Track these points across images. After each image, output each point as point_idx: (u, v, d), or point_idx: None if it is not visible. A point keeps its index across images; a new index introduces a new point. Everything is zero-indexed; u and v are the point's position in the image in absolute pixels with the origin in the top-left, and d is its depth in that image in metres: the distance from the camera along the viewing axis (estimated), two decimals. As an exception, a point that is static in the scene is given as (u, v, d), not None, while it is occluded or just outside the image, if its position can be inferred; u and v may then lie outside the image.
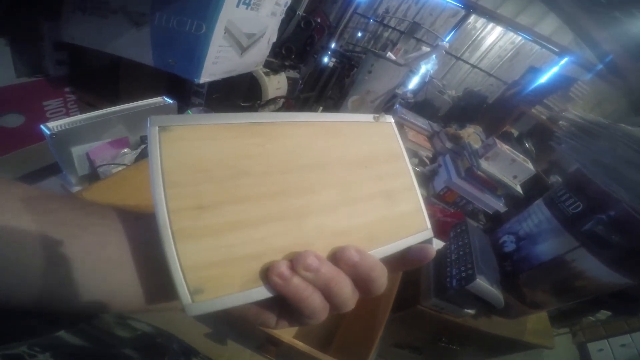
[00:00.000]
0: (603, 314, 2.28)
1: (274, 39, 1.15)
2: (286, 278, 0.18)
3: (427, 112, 1.74)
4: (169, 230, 0.17)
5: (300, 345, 0.45)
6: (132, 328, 0.32)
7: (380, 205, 0.24)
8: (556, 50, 2.63)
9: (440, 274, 0.69)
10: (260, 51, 1.09)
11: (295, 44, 1.40)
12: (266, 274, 0.18)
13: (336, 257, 0.20)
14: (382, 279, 0.21)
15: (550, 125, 1.82)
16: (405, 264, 0.25)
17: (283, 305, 0.21)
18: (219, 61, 0.87)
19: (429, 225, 0.27)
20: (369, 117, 0.27)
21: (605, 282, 0.59)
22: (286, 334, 0.46)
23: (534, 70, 2.33)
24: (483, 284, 0.59)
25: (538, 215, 0.72)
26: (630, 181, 0.54)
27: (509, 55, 3.10)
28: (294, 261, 0.18)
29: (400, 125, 1.38)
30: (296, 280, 0.18)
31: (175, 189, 0.17)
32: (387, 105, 1.73)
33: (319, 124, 0.24)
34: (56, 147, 0.64)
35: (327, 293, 0.19)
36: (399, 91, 1.89)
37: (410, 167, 0.28)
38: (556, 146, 0.74)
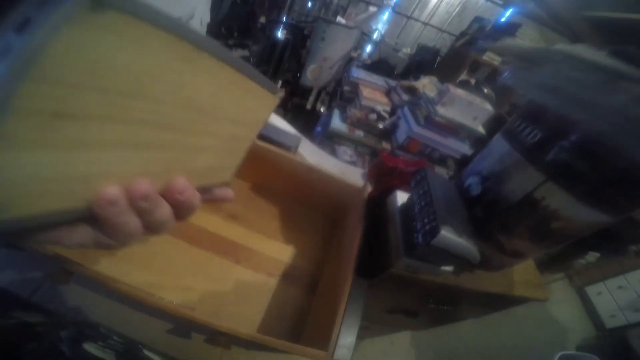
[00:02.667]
0: (592, 256, 2.27)
1: (207, 19, 1.02)
2: (112, 202, 0.17)
3: (383, 71, 1.63)
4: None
5: (244, 333, 0.36)
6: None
7: (212, 158, 0.25)
8: (500, 2, 2.50)
9: (408, 230, 0.59)
10: None
11: (236, 22, 1.26)
12: (93, 196, 0.17)
13: (167, 187, 0.20)
14: (196, 207, 0.23)
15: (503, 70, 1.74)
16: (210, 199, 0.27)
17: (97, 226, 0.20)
18: None
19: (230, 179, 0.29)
20: (270, 89, 0.25)
21: (583, 221, 0.50)
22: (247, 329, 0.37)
23: (480, 20, 2.25)
24: (450, 237, 0.49)
25: (498, 149, 0.62)
26: (584, 101, 0.45)
27: (456, 10, 3.05)
28: (128, 189, 0.18)
29: (355, 85, 1.26)
30: (118, 206, 0.17)
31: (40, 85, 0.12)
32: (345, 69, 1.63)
33: (237, 76, 0.21)
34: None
35: (148, 219, 0.19)
36: (355, 54, 1.77)
37: (254, 139, 0.29)
38: (501, 80, 0.64)
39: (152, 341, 0.44)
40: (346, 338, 0.54)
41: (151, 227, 0.20)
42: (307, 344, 0.36)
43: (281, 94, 0.26)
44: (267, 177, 0.67)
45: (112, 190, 0.17)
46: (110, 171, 0.17)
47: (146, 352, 0.39)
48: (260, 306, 0.52)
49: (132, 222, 0.19)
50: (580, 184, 0.48)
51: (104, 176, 0.17)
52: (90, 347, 0.32)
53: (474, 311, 0.83)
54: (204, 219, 0.61)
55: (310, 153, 0.74)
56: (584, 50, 0.50)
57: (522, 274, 0.71)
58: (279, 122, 0.76)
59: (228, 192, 0.28)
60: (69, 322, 0.36)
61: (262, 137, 0.63)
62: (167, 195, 0.20)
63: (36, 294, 0.44)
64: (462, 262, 0.53)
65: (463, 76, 1.97)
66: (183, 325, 0.46)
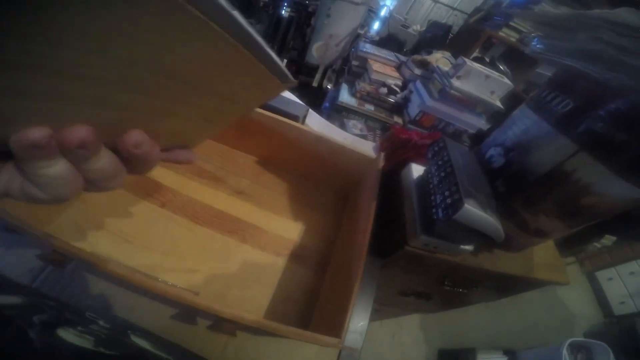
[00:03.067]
0: (608, 240, 2.20)
1: None
2: (35, 144, 0.15)
3: (392, 47, 1.56)
4: None
5: (250, 319, 0.32)
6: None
7: (183, 124, 0.23)
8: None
9: (426, 205, 0.55)
10: None
11: (236, 0, 1.19)
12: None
13: (120, 139, 0.18)
14: (153, 163, 0.21)
15: (521, 47, 1.66)
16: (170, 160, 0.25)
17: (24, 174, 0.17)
18: None
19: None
20: (280, 76, 0.21)
21: (617, 197, 0.45)
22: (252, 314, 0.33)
23: (496, -5, 2.09)
24: (474, 212, 0.44)
25: (524, 121, 0.58)
26: (628, 66, 0.40)
27: (469, -14, 2.86)
28: (62, 133, 0.15)
29: (364, 60, 1.20)
30: (46, 150, 0.15)
31: None
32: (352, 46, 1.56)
33: (243, 54, 0.17)
34: None
35: (87, 169, 0.18)
36: (362, 31, 1.69)
37: (244, 114, 0.26)
38: (531, 51, 0.58)
39: (155, 327, 0.41)
40: (358, 322, 0.51)
41: (93, 181, 0.19)
42: (317, 329, 0.33)
43: (292, 84, 0.22)
44: (274, 150, 0.63)
45: (39, 132, 0.15)
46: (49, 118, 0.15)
47: (134, 339, 0.36)
48: (268, 288, 0.49)
49: (63, 170, 0.17)
50: (618, 156, 0.43)
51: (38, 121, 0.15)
52: (65, 334, 0.29)
53: (488, 294, 0.79)
54: (209, 195, 0.57)
55: (318, 125, 0.69)
56: (627, 15, 0.45)
57: (543, 255, 0.66)
58: (285, 93, 0.71)
59: (190, 155, 0.26)
60: (49, 306, 0.34)
61: (267, 107, 0.58)
62: (120, 147, 0.18)
63: (37, 279, 0.42)
64: (484, 241, 0.48)
65: (476, 54, 1.88)
66: (187, 311, 0.43)
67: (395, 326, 1.59)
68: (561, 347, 1.27)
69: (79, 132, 0.16)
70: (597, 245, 2.24)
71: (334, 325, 0.34)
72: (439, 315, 1.36)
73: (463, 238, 0.53)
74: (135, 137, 0.18)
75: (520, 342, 1.64)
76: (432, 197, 0.52)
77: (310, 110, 0.67)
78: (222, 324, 0.36)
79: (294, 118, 0.59)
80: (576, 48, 0.49)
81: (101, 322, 0.35)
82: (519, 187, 0.55)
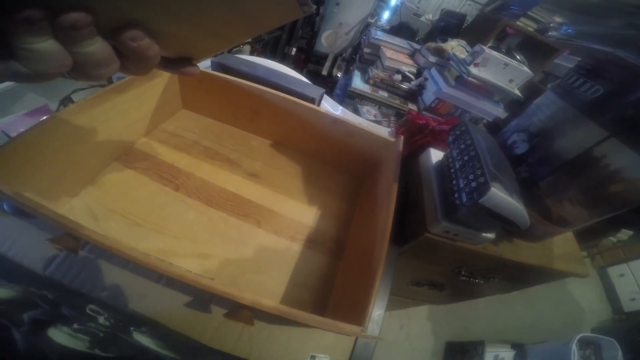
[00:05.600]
0: (625, 234, 2.15)
1: None
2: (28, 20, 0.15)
3: (404, 35, 1.52)
4: None
5: (271, 306, 0.30)
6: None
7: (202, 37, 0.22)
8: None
9: (447, 190, 0.53)
10: None
11: None
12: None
13: (118, 32, 0.19)
14: (150, 60, 0.21)
15: (539, 37, 1.60)
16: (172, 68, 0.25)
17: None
18: None
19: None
20: None
21: None
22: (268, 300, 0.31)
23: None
24: (500, 195, 0.42)
25: (550, 107, 0.56)
26: None
27: (483, -24, 2.74)
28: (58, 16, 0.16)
29: (376, 47, 1.17)
30: (36, 27, 0.16)
31: None
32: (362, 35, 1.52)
33: None
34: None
35: (77, 52, 0.18)
36: (372, 20, 1.65)
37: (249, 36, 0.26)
38: (558, 37, 0.56)
39: (165, 317, 0.40)
40: (375, 311, 0.50)
41: (82, 65, 0.19)
42: (333, 317, 0.31)
43: (309, 10, 0.20)
44: (289, 132, 0.61)
45: (32, 11, 0.15)
46: None
47: (136, 336, 0.34)
48: (282, 274, 0.47)
49: (50, 47, 0.17)
50: None
51: None
52: (56, 333, 0.27)
53: (503, 286, 0.76)
54: (223, 178, 0.56)
55: (332, 109, 0.67)
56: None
57: (562, 246, 0.64)
58: (300, 77, 0.69)
59: (193, 68, 0.26)
60: (46, 300, 0.32)
61: (282, 89, 0.56)
62: (117, 39, 0.19)
63: (50, 267, 0.40)
64: (508, 227, 0.46)
65: (490, 44, 1.83)
66: (201, 298, 0.42)
67: (404, 317, 1.58)
68: (571, 342, 1.24)
69: (74, 14, 0.16)
70: (613, 239, 2.19)
71: (354, 313, 0.33)
72: (448, 308, 1.34)
73: (486, 224, 0.51)
74: (134, 32, 0.19)
75: (528, 336, 1.62)
76: (454, 182, 0.50)
77: (325, 95, 0.65)
78: (240, 312, 0.35)
79: (310, 100, 0.56)
80: (608, 33, 0.48)
81: (101, 319, 0.34)
82: (543, 173, 0.53)
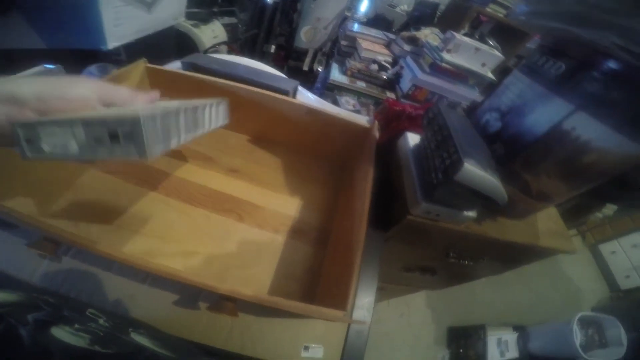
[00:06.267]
0: (610, 209, 2.19)
1: None
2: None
3: (380, 26, 1.53)
4: None
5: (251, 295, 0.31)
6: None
7: None
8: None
9: (425, 172, 0.54)
10: (173, 3, 0.94)
11: None
12: None
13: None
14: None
15: (510, 23, 1.66)
16: None
17: None
18: (122, 22, 0.74)
19: None
20: None
21: (619, 153, 0.45)
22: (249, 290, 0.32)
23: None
24: (474, 171, 0.43)
25: (517, 85, 0.57)
26: (618, 27, 0.39)
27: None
28: None
29: (353, 39, 1.19)
30: None
31: None
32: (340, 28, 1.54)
33: None
34: None
35: None
36: (349, 13, 1.67)
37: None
38: (516, 17, 0.57)
39: (156, 316, 0.40)
40: (364, 298, 0.50)
41: None
42: (322, 305, 0.32)
43: None
44: (266, 126, 0.61)
45: None
46: None
47: (134, 336, 0.34)
48: (268, 266, 0.47)
49: None
50: (616, 113, 0.42)
51: None
52: (59, 332, 0.28)
53: (494, 267, 0.78)
54: (202, 176, 0.56)
55: (309, 100, 0.68)
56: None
57: (547, 222, 0.65)
58: (274, 71, 0.70)
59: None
60: (48, 303, 0.32)
61: (255, 83, 0.57)
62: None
63: (35, 274, 0.41)
64: (487, 204, 0.47)
65: (465, 31, 1.86)
66: (188, 295, 0.42)
67: (403, 305, 1.59)
68: (571, 322, 1.26)
69: None
70: (599, 215, 2.23)
71: (339, 299, 0.33)
72: (446, 293, 1.35)
73: (465, 202, 0.52)
74: None
75: (528, 317, 1.64)
76: (431, 163, 0.51)
77: (300, 87, 0.66)
78: (222, 304, 0.35)
79: (284, 93, 0.57)
80: (562, 11, 0.49)
81: (101, 320, 0.34)
82: (518, 148, 0.55)
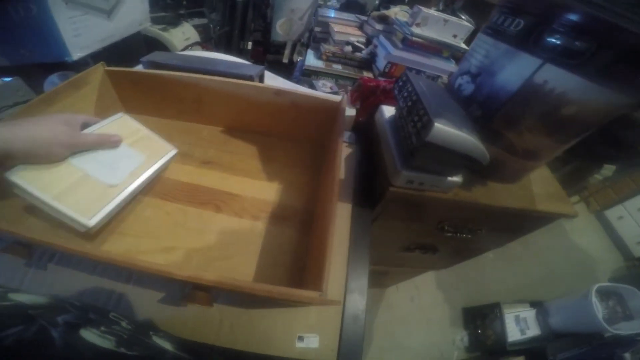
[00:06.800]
0: (608, 169, 2.14)
1: None
2: None
3: (354, 11, 1.52)
4: None
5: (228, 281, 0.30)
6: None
7: None
8: None
9: (401, 141, 0.53)
10: (134, 9, 0.94)
11: None
12: None
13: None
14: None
15: None
16: None
17: None
18: (82, 32, 0.75)
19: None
20: None
21: (598, 103, 0.44)
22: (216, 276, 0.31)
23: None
24: (446, 130, 0.42)
25: (482, 46, 0.56)
26: None
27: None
28: None
29: (325, 24, 1.19)
30: None
31: None
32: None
33: None
34: None
35: None
36: (322, 2, 1.66)
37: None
38: None
39: (144, 314, 0.40)
40: (357, 281, 0.48)
41: None
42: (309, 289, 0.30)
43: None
44: (238, 115, 0.60)
45: None
46: None
47: (155, 339, 0.35)
48: (251, 255, 0.46)
49: None
50: (585, 64, 0.41)
51: None
52: (87, 334, 0.29)
53: (496, 238, 0.75)
54: (176, 171, 0.55)
55: (281, 84, 0.67)
56: None
57: (542, 186, 0.64)
58: (237, 59, 0.69)
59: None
60: (74, 306, 0.33)
61: (218, 73, 0.56)
62: None
63: (24, 281, 0.41)
64: (470, 165, 0.46)
65: (441, 7, 1.86)
66: (173, 292, 0.42)
67: (413, 289, 1.57)
68: (589, 294, 1.21)
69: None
70: (599, 177, 2.20)
71: (317, 281, 0.31)
72: (455, 273, 1.33)
73: (446, 166, 0.51)
74: None
75: (543, 292, 1.58)
76: (405, 130, 0.51)
77: (269, 72, 0.65)
78: (195, 294, 0.34)
79: (248, 78, 0.56)
80: None
81: (124, 323, 0.35)
82: (494, 107, 0.54)
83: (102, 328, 0.30)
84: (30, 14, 0.65)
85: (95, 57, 0.81)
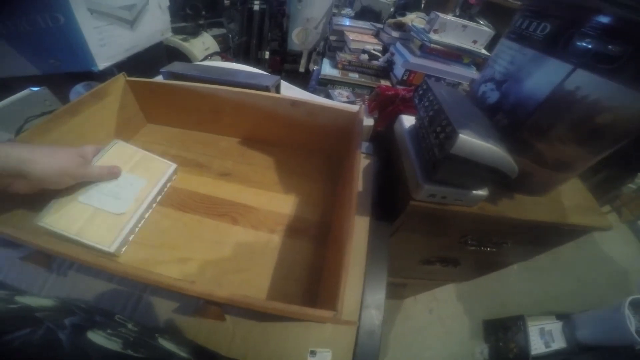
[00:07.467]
0: None
1: (166, 2, 1.01)
2: None
3: (369, 18, 1.52)
4: None
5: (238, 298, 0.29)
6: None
7: None
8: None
9: (423, 152, 0.51)
10: (156, 19, 0.97)
11: (200, 1, 1.21)
12: None
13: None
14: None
15: (498, 1, 1.63)
16: None
17: None
18: (107, 42, 0.77)
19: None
20: None
21: (636, 109, 0.42)
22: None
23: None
24: (472, 141, 0.40)
25: (507, 53, 0.54)
26: None
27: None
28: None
29: (340, 33, 1.19)
30: None
31: None
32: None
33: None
34: None
35: None
36: (336, 10, 1.67)
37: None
38: None
39: (160, 324, 0.40)
40: (373, 295, 0.46)
41: None
42: (324, 306, 0.29)
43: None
44: (255, 126, 0.60)
45: None
46: None
47: (161, 341, 0.35)
48: (266, 268, 0.45)
49: None
50: (621, 68, 0.39)
51: None
52: (94, 336, 0.29)
53: (522, 251, 0.72)
54: (194, 182, 0.55)
55: (297, 94, 0.67)
56: None
57: (573, 197, 0.60)
58: (254, 70, 0.69)
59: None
60: (81, 309, 0.34)
61: (235, 84, 0.56)
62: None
63: (44, 288, 0.43)
64: (496, 178, 0.44)
65: (457, 13, 1.84)
66: (188, 303, 0.41)
67: (431, 300, 1.52)
68: (621, 306, 1.15)
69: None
70: (632, 186, 2.10)
71: (333, 298, 0.30)
72: (476, 285, 1.28)
73: (471, 179, 0.48)
74: None
75: (571, 304, 1.49)
76: (427, 141, 0.49)
77: (285, 82, 0.65)
78: (207, 308, 0.34)
79: (264, 89, 0.56)
80: None
81: (130, 326, 0.35)
82: (522, 116, 0.51)
83: (109, 330, 0.31)
84: (58, 23, 0.67)
85: (120, 67, 0.82)
